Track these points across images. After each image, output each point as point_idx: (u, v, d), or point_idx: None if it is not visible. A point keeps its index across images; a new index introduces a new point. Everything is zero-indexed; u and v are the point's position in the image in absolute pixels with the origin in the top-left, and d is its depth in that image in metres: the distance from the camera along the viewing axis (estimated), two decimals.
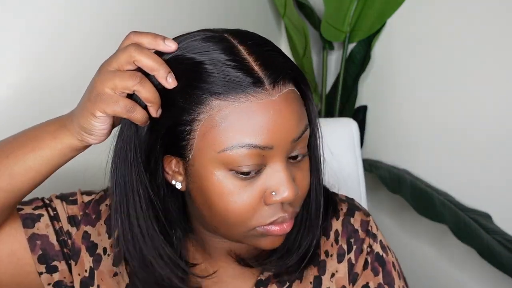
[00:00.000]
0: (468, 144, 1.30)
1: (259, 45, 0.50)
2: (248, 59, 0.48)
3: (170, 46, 0.49)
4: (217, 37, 0.50)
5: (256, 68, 0.48)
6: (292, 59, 0.65)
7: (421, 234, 1.43)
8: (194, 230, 0.59)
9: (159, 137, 0.50)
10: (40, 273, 0.57)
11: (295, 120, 0.49)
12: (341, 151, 0.91)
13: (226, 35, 0.51)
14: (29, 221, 0.58)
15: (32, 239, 0.57)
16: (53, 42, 0.82)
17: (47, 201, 0.60)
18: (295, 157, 0.51)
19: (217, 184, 0.49)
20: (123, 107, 0.47)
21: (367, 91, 1.47)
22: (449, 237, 1.19)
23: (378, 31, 1.38)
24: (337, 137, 0.92)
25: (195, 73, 0.48)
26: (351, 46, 1.43)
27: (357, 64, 1.42)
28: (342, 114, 1.44)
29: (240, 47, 0.49)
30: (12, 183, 0.53)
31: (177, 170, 0.52)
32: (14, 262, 0.56)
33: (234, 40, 0.50)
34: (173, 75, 0.48)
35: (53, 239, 0.58)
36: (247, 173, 0.48)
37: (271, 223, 0.51)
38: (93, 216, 0.61)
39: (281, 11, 1.39)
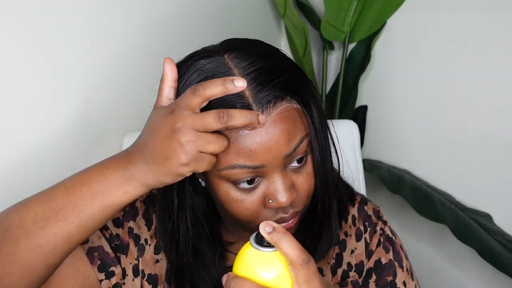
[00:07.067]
0: (468, 144, 1.30)
1: (256, 64, 0.53)
2: None
3: (242, 86, 0.49)
4: (215, 60, 0.53)
5: (247, 93, 0.51)
6: (292, 59, 0.65)
7: (421, 234, 1.43)
8: (223, 219, 0.66)
9: None
10: (101, 280, 0.62)
11: (286, 138, 0.52)
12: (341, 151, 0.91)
13: (225, 56, 0.54)
14: None
15: (90, 253, 0.61)
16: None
17: None
18: (295, 164, 0.55)
19: (223, 193, 0.55)
20: (213, 163, 0.51)
21: (367, 91, 1.47)
22: (449, 237, 1.19)
23: (378, 31, 1.38)
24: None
25: None
26: (351, 46, 1.43)
27: (357, 64, 1.42)
28: (342, 114, 1.44)
29: (235, 71, 0.52)
30: (87, 234, 0.54)
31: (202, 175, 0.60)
32: (80, 278, 0.60)
33: (231, 63, 0.53)
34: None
35: (107, 247, 0.63)
36: (247, 183, 0.54)
37: (275, 221, 0.56)
38: (132, 213, 0.66)
39: (281, 11, 1.39)
